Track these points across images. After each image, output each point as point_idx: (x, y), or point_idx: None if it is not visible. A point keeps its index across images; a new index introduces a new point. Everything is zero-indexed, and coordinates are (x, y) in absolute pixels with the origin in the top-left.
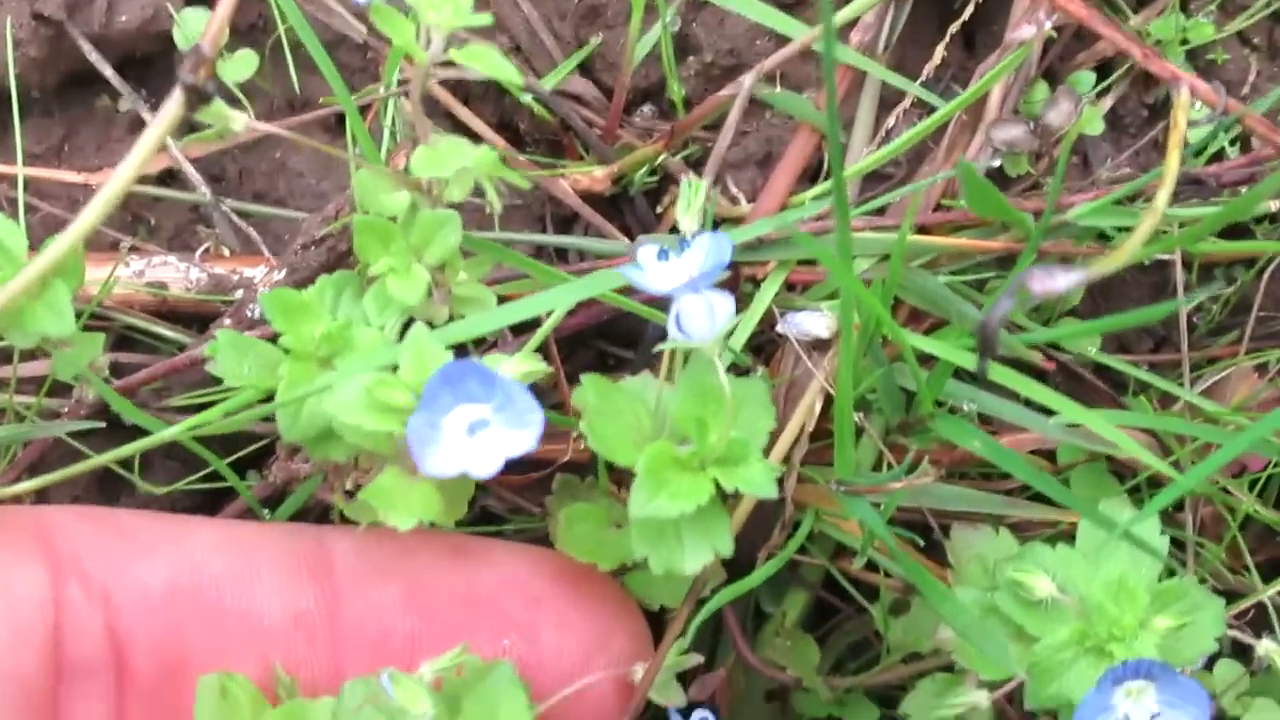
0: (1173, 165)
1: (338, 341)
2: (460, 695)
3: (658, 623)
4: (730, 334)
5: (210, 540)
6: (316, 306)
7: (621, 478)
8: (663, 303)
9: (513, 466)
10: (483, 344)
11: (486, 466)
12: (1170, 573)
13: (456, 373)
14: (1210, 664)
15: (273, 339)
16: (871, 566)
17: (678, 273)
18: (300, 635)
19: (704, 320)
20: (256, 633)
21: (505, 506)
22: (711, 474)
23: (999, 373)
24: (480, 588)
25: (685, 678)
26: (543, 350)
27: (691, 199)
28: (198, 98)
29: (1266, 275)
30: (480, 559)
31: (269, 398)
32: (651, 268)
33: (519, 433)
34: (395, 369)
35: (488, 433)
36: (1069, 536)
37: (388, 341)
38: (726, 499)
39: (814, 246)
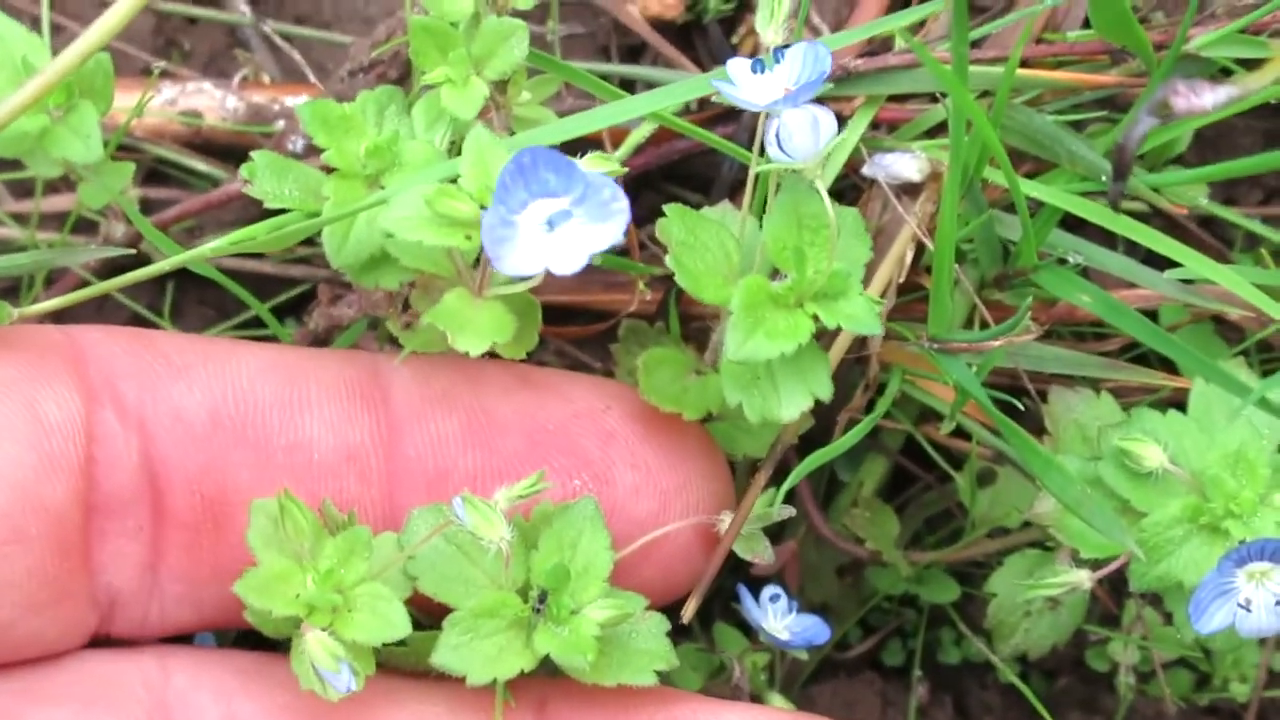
0: None
1: (385, 156)
2: (536, 532)
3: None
4: (829, 157)
5: (256, 365)
6: (360, 120)
7: (689, 331)
8: (739, 136)
9: (573, 317)
10: None
11: (570, 262)
12: None
13: (531, 163)
14: None
15: None
16: (959, 434)
17: (775, 85)
18: (353, 471)
19: (808, 136)
20: (306, 467)
21: (564, 362)
22: (810, 310)
23: (1114, 221)
24: (550, 421)
25: None
26: None
27: (775, 9)
28: None
29: None
30: (549, 390)
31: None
32: (745, 81)
33: (603, 226)
34: (453, 182)
35: (569, 225)
36: (1172, 404)
37: (440, 154)
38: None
39: (933, 63)
